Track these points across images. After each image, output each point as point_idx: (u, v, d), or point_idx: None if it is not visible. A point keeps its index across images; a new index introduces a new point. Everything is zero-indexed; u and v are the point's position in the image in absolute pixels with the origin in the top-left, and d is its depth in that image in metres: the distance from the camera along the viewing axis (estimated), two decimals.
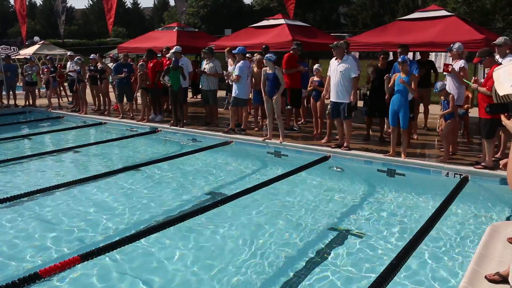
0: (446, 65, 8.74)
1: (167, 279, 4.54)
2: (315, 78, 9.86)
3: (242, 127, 10.55)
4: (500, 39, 7.64)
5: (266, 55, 9.37)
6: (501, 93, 2.11)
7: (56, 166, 9.01)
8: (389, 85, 8.14)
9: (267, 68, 9.32)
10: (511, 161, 2.16)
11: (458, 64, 8.62)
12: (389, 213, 6.26)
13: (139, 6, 67.45)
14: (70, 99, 16.35)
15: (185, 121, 11.62)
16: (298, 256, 5.00)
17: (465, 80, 8.32)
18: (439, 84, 7.90)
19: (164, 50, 12.80)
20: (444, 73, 8.73)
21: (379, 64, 9.22)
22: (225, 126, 10.80)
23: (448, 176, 7.34)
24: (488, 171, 7.06)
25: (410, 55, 11.88)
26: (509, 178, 2.14)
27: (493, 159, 7.26)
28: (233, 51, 10.82)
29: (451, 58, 9.17)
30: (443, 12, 11.35)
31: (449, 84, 8.48)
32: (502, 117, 2.30)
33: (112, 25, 19.44)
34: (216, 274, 4.58)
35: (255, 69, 10.20)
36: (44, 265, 4.45)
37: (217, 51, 13.62)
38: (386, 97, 8.51)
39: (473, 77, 8.62)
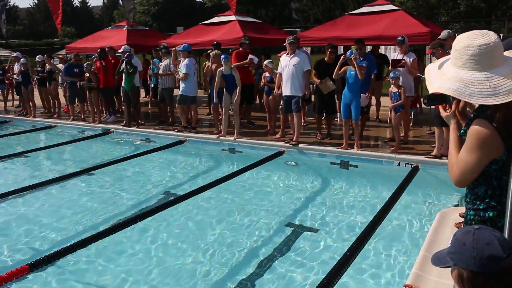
0: (397, 61, 8.80)
1: (122, 281, 4.44)
2: (266, 74, 9.87)
3: (192, 125, 10.46)
4: (443, 33, 7.89)
5: (222, 56, 9.26)
6: (430, 90, 2.18)
7: (4, 173, 8.65)
8: (340, 72, 8.08)
9: (222, 68, 9.23)
10: (451, 155, 2.23)
11: (410, 57, 8.80)
12: (343, 205, 6.35)
13: (88, 4, 65.72)
14: (17, 102, 15.76)
15: (140, 121, 11.42)
16: (254, 252, 4.99)
17: (419, 74, 8.52)
18: (396, 72, 8.11)
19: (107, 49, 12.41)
20: (399, 69, 8.77)
21: (325, 59, 9.25)
22: (179, 124, 10.67)
23: (399, 166, 7.52)
24: (438, 159, 7.27)
25: None
26: (449, 169, 2.20)
27: None
28: (178, 49, 10.65)
29: (397, 52, 9.32)
30: (390, 6, 11.64)
31: (400, 76, 8.65)
32: (440, 108, 2.37)
33: (60, 24, 18.80)
34: (171, 273, 4.52)
35: (213, 66, 10.05)
36: None
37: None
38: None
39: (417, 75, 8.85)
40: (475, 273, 1.53)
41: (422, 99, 2.36)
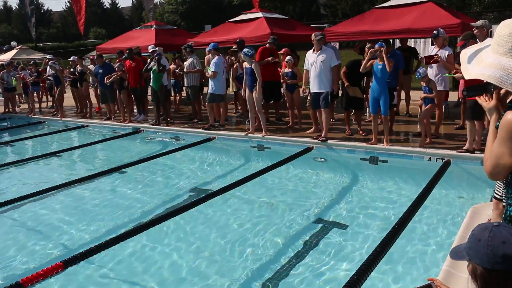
0: (429, 58, 8.55)
1: (153, 279, 4.51)
2: (287, 70, 9.88)
3: (220, 122, 10.53)
4: (479, 22, 7.61)
5: (243, 50, 9.32)
6: (466, 77, 2.10)
7: (38, 172, 8.89)
8: (367, 65, 7.97)
9: (246, 62, 9.26)
10: (487, 148, 2.15)
11: (445, 52, 8.54)
12: (373, 201, 6.28)
13: (118, 6, 66.76)
14: (51, 103, 16.19)
15: (169, 119, 11.57)
16: (283, 247, 4.99)
17: (448, 74, 8.24)
18: (421, 71, 7.89)
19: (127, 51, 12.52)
20: (432, 64, 8.56)
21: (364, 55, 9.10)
22: (208, 122, 10.74)
23: (430, 161, 7.39)
24: (470, 154, 7.11)
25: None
26: (484, 161, 2.14)
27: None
28: (206, 49, 10.74)
29: (431, 46, 9.06)
30: None
31: (434, 71, 8.46)
32: (480, 100, 2.27)
33: (83, 26, 19.15)
34: (203, 269, 4.57)
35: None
36: (26, 273, 4.38)
37: (196, 47, 13.54)
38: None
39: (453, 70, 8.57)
40: (488, 270, 1.52)
41: (462, 91, 2.29)
